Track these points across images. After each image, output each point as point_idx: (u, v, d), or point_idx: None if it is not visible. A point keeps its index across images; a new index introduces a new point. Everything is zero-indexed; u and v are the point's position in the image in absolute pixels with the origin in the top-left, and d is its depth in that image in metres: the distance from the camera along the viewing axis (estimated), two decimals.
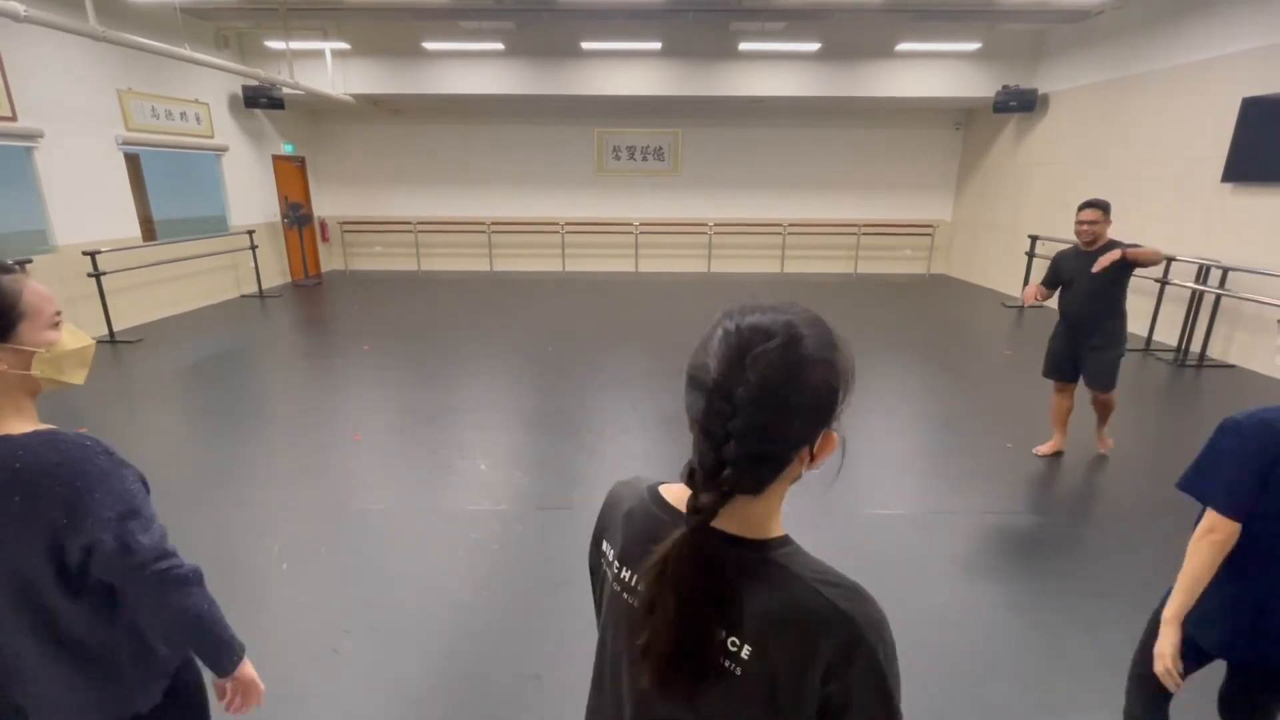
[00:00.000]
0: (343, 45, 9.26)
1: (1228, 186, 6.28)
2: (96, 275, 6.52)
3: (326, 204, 11.68)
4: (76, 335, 1.13)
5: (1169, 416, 5.16)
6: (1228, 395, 5.43)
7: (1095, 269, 3.53)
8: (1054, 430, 4.10)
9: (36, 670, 1.10)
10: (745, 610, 0.68)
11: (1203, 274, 6.30)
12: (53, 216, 6.47)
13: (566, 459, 4.09)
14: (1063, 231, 8.27)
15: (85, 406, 4.78)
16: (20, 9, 4.89)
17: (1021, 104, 9.08)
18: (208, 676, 1.27)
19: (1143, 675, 1.67)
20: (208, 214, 9.20)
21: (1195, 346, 6.35)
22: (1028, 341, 6.90)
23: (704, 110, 11.01)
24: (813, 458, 0.68)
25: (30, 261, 6.03)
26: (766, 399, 0.62)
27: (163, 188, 8.68)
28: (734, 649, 0.69)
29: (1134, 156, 7.49)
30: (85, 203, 6.83)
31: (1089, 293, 3.69)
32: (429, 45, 9.21)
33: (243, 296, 9.27)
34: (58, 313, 1.10)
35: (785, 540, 0.72)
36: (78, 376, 1.14)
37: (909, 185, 11.59)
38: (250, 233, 9.10)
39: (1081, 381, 3.94)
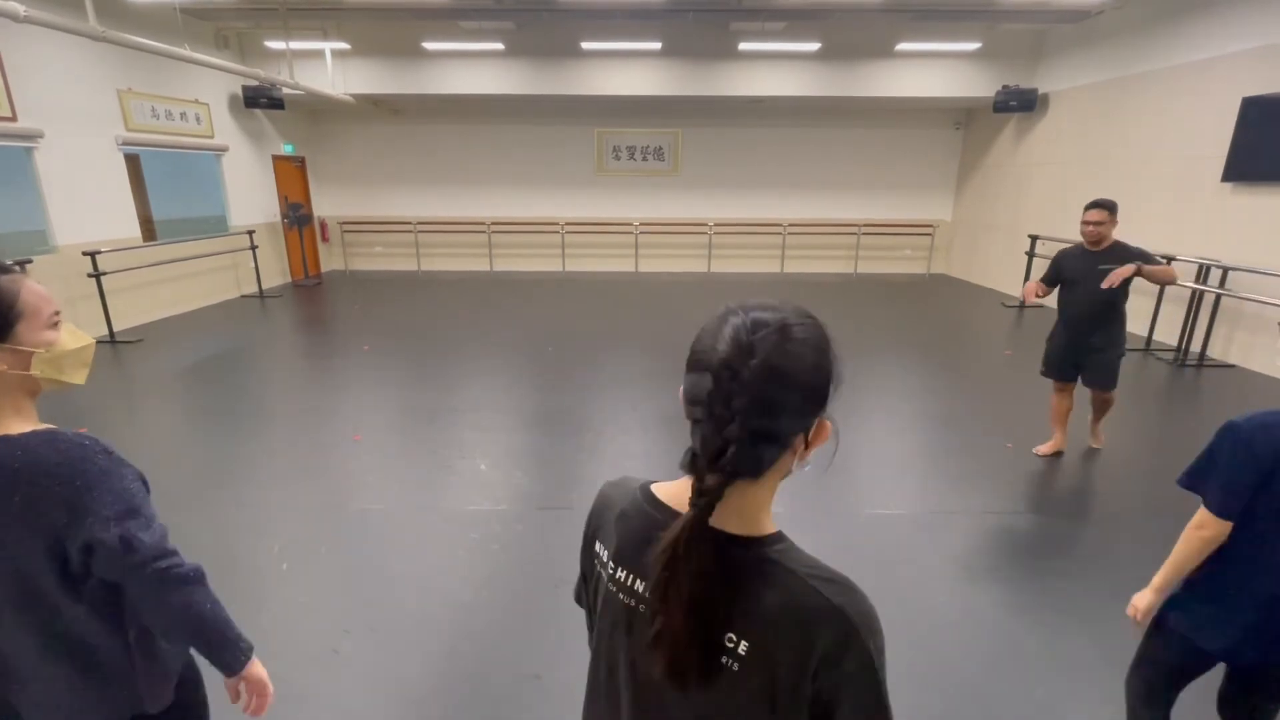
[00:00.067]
0: (343, 45, 9.26)
1: (1228, 186, 6.28)
2: (96, 275, 6.52)
3: (326, 204, 11.68)
4: (76, 335, 1.13)
5: (1169, 416, 5.15)
6: (1228, 395, 5.43)
7: (1105, 285, 3.50)
8: (1054, 430, 4.10)
9: (37, 670, 1.10)
10: (743, 607, 0.69)
11: (1203, 274, 6.30)
12: (53, 216, 6.47)
13: (567, 459, 4.09)
14: (1062, 231, 8.27)
15: (85, 407, 4.78)
16: (20, 9, 4.89)
17: (1021, 104, 9.08)
18: (212, 678, 1.26)
19: (1144, 675, 1.67)
20: (208, 214, 9.20)
21: (1195, 346, 6.35)
22: (1028, 341, 6.89)
23: (704, 110, 11.01)
24: (808, 445, 0.70)
25: (30, 261, 6.02)
26: (770, 375, 0.65)
27: (163, 188, 8.69)
28: (732, 645, 0.69)
29: (1134, 156, 7.49)
30: (85, 203, 6.83)
31: (1092, 293, 3.69)
32: (429, 45, 9.22)
33: (243, 297, 9.27)
34: (56, 313, 1.09)
35: (779, 536, 0.73)
36: (78, 376, 1.14)
37: (909, 185, 11.59)
38: (250, 233, 9.10)
39: (1081, 381, 3.95)
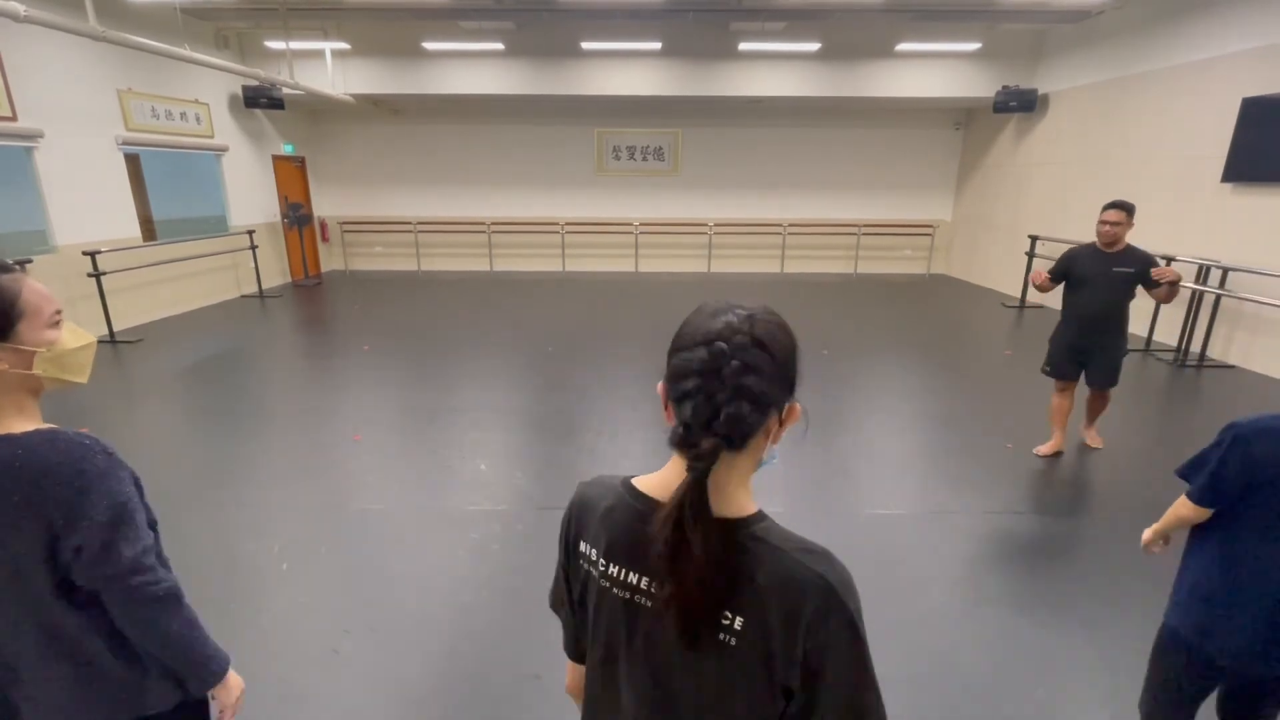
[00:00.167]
0: (343, 45, 9.26)
1: (1228, 186, 6.28)
2: (96, 275, 6.52)
3: (326, 204, 11.68)
4: (77, 334, 1.12)
5: (1169, 417, 5.16)
6: (1227, 396, 5.43)
7: (1156, 275, 3.55)
8: (1054, 430, 4.10)
9: (35, 670, 1.10)
10: (737, 585, 0.72)
11: (1203, 274, 6.30)
12: (53, 216, 6.47)
13: (566, 459, 4.09)
14: (1063, 231, 8.27)
15: (85, 406, 4.78)
16: (20, 9, 4.89)
17: (1021, 104, 9.08)
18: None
19: (1155, 695, 1.66)
20: (208, 214, 9.20)
21: (1195, 346, 6.36)
22: (1028, 341, 6.90)
23: (704, 110, 11.01)
24: (781, 424, 0.75)
25: (30, 261, 6.03)
26: (756, 344, 0.72)
27: (163, 188, 8.69)
28: (728, 622, 0.73)
29: (1134, 156, 7.49)
30: (85, 203, 6.83)
31: (1105, 293, 3.69)
32: (429, 45, 9.21)
33: (243, 296, 9.27)
34: (58, 312, 1.09)
35: (761, 515, 0.77)
36: (80, 375, 1.14)
37: (909, 185, 11.59)
38: (250, 233, 9.10)
39: (1084, 379, 3.95)
